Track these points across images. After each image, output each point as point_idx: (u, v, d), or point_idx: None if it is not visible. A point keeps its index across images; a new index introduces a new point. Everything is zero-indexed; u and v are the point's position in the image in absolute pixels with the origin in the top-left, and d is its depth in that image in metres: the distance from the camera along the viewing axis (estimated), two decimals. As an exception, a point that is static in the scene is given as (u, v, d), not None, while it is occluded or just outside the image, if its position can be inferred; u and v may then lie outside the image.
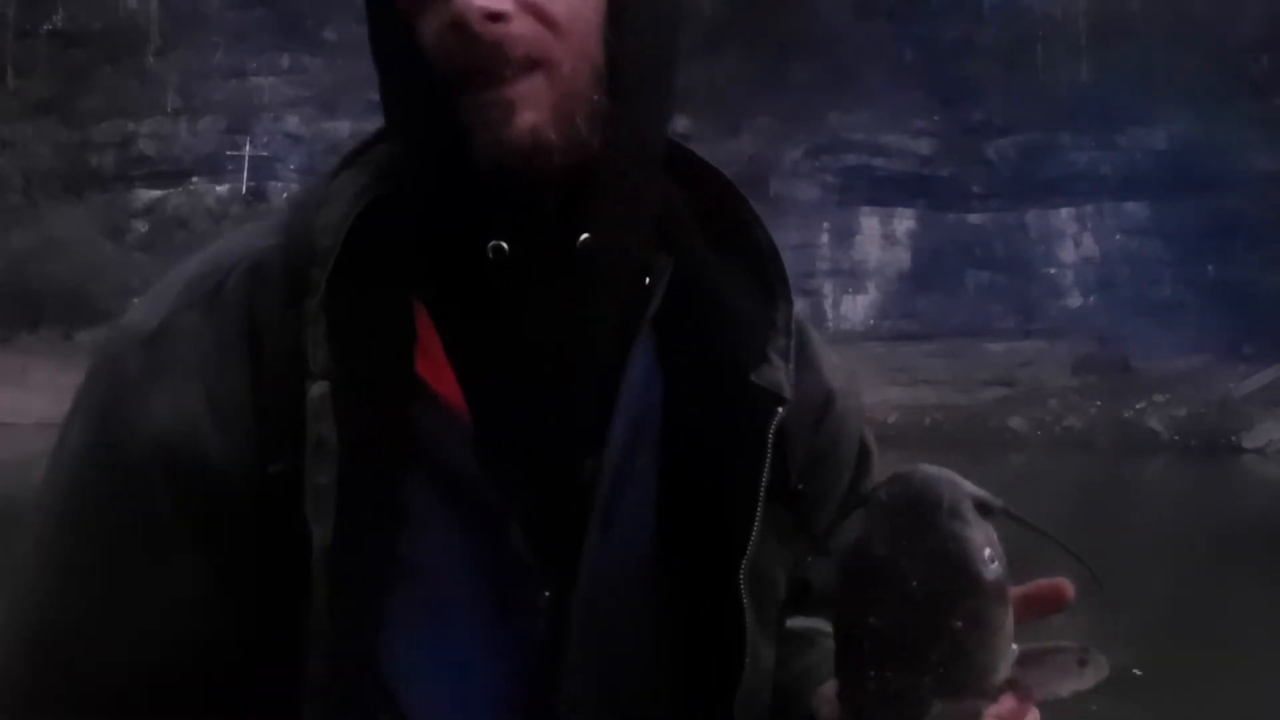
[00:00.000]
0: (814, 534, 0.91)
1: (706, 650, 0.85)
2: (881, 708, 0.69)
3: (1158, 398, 28.11)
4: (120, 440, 0.81)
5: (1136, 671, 7.42)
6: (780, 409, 0.87)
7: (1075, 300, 32.32)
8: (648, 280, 0.89)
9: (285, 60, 37.17)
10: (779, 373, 0.89)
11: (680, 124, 35.18)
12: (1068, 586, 0.75)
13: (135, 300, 0.90)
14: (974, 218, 33.21)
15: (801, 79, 32.70)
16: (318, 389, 0.78)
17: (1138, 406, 28.08)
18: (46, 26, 38.33)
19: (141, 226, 35.64)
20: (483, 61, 0.78)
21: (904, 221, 33.52)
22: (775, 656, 0.90)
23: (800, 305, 0.94)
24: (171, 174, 36.21)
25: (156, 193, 36.17)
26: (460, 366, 0.82)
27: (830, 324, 32.11)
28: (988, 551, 0.68)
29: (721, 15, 33.76)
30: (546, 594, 0.82)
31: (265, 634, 0.78)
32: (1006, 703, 0.71)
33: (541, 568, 0.82)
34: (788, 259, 0.93)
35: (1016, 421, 28.55)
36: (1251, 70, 30.27)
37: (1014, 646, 0.71)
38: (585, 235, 0.83)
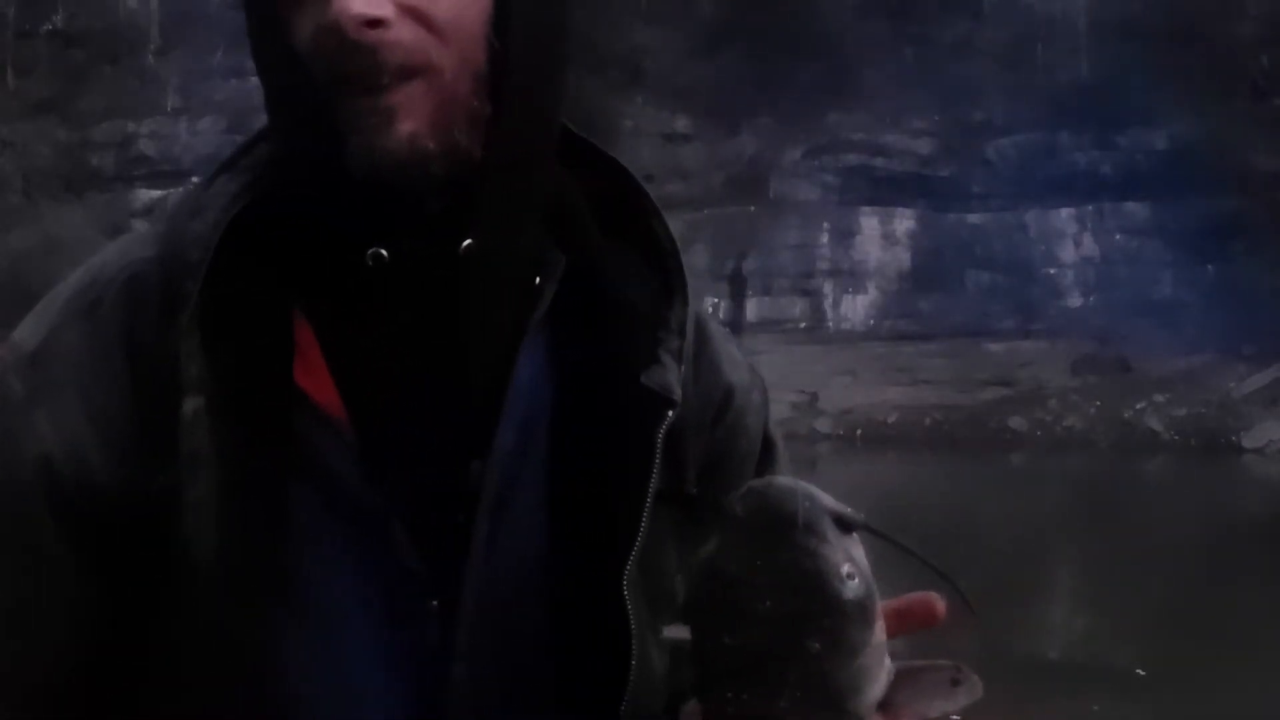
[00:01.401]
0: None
1: (595, 657, 0.83)
2: None
3: (1158, 398, 28.09)
4: (5, 463, 0.80)
5: (1140, 671, 7.42)
6: (670, 412, 0.84)
7: (1075, 300, 32.30)
8: (538, 280, 0.86)
9: (285, 60, 37.10)
10: (669, 374, 0.86)
11: (680, 124, 35.21)
12: (938, 601, 0.73)
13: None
14: (974, 218, 33.18)
15: (801, 79, 32.67)
16: (191, 404, 0.78)
17: (1138, 406, 28.07)
18: (46, 26, 38.29)
19: (141, 226, 35.58)
20: (359, 68, 0.76)
21: (904, 221, 33.49)
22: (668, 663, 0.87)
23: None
24: (171, 174, 36.15)
25: (156, 193, 36.13)
26: (340, 375, 0.81)
27: (830, 324, 32.11)
28: (846, 569, 0.65)
29: (721, 15, 33.75)
30: (435, 602, 0.80)
31: (152, 648, 0.78)
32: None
33: (429, 575, 0.81)
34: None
35: (1016, 421, 28.53)
36: (1251, 70, 30.25)
37: (888, 664, 0.69)
38: (468, 241, 0.81)
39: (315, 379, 0.81)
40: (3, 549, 0.80)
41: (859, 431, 28.69)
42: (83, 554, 0.79)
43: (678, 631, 0.76)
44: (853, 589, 0.65)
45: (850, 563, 0.66)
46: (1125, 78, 29.57)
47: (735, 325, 30.66)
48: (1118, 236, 32.45)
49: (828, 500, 0.67)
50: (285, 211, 0.83)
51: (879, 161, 33.65)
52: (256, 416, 0.78)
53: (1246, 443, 25.67)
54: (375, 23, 0.75)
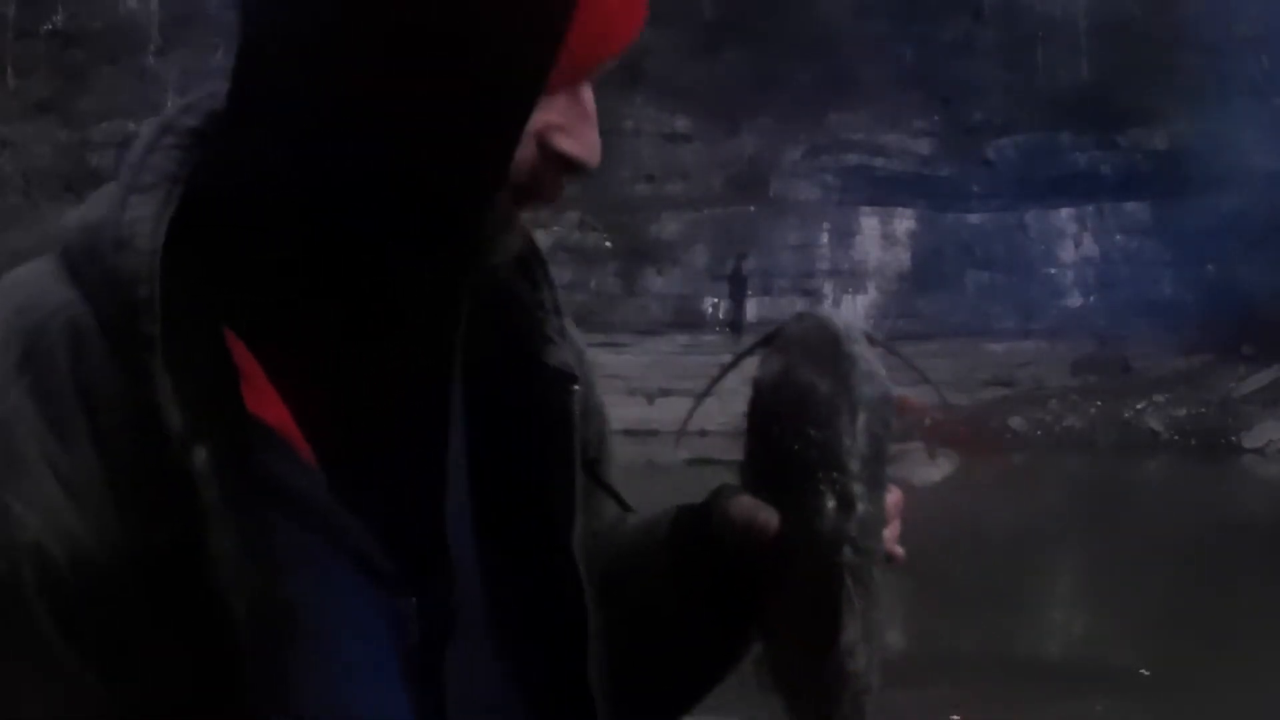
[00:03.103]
0: (609, 488, 0.98)
1: (554, 627, 0.88)
2: (823, 505, 0.80)
3: (1158, 398, 28.10)
4: None
5: (1144, 672, 7.42)
6: (575, 386, 0.90)
7: (1075, 300, 32.31)
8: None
9: (285, 60, 37.08)
10: (564, 352, 0.92)
11: (680, 124, 35.19)
12: (915, 401, 0.88)
13: None
14: (974, 218, 33.19)
15: (801, 79, 32.67)
16: (200, 454, 0.72)
17: (1138, 406, 28.07)
18: (46, 26, 38.30)
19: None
20: (551, 196, 0.81)
21: (904, 221, 33.49)
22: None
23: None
24: (171, 174, 36.20)
25: (156, 193, 36.16)
26: (289, 394, 0.79)
27: (830, 324, 32.08)
28: (884, 371, 0.83)
29: (721, 15, 33.75)
30: (413, 600, 0.82)
31: (167, 709, 0.74)
32: (896, 492, 0.85)
33: (403, 577, 0.81)
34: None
35: (1016, 421, 28.54)
36: (1251, 70, 30.25)
37: None
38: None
39: (265, 402, 0.78)
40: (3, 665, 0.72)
41: (859, 431, 28.67)
42: (82, 635, 0.72)
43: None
44: (890, 385, 0.82)
45: (883, 366, 0.83)
46: (1125, 78, 29.58)
47: (735, 325, 30.67)
48: (1118, 236, 32.45)
49: (857, 321, 0.85)
50: (223, 230, 0.80)
51: (879, 161, 33.65)
52: (236, 454, 0.74)
53: (1246, 443, 25.68)
54: None
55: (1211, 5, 28.98)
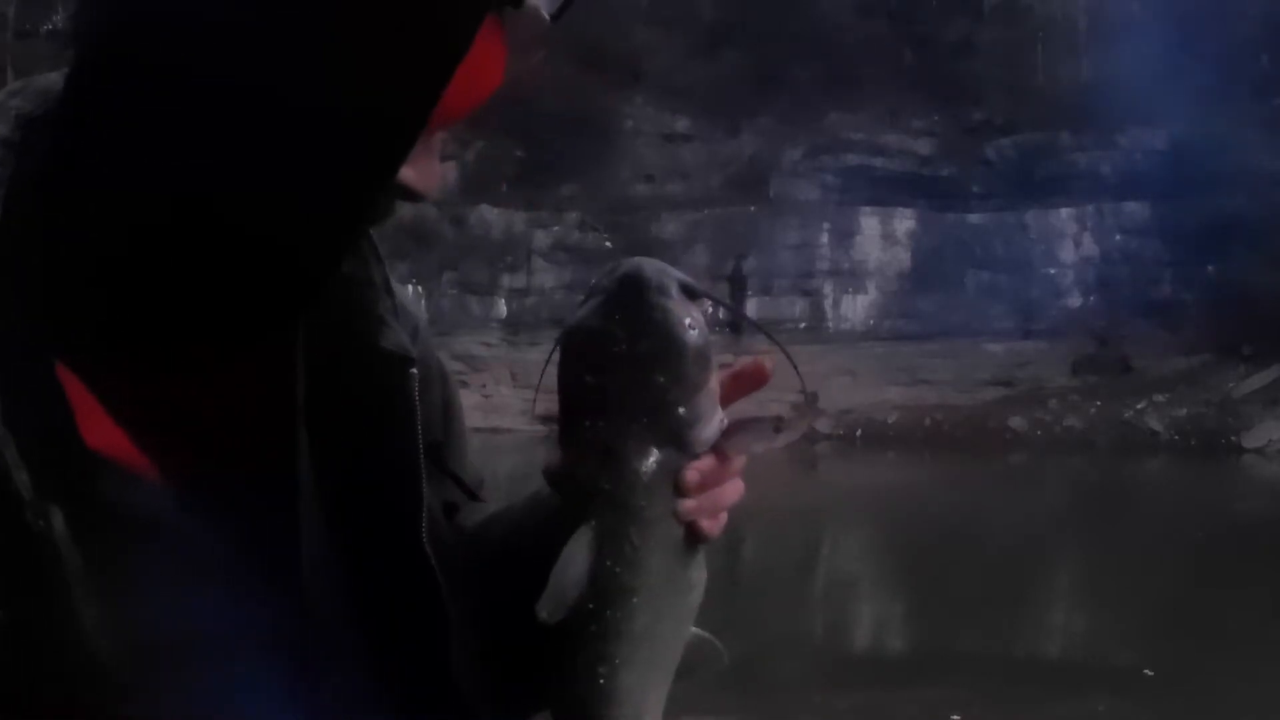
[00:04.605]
0: (450, 474, 0.93)
1: (412, 619, 0.85)
2: (595, 453, 0.76)
3: (1158, 398, 28.13)
4: None
5: (1148, 672, 7.43)
6: (412, 370, 0.86)
7: (1075, 300, 32.33)
8: None
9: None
10: (399, 334, 0.87)
11: (680, 124, 35.22)
12: (767, 364, 0.83)
13: None
14: (974, 218, 33.22)
15: (801, 79, 32.70)
16: (55, 515, 0.66)
17: (1138, 406, 28.10)
18: (46, 26, 38.35)
19: None
20: (387, 216, 0.83)
21: (904, 221, 33.53)
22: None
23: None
24: (171, 174, 36.26)
25: (156, 193, 36.23)
26: (127, 418, 0.73)
27: (830, 324, 32.13)
28: (688, 321, 0.77)
29: (721, 15, 33.77)
30: (274, 606, 0.78)
31: None
32: (707, 460, 0.78)
33: (264, 584, 0.78)
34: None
35: (1016, 421, 28.56)
36: (1251, 70, 30.25)
37: (720, 414, 0.79)
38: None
39: (100, 429, 0.72)
40: None
41: (859, 431, 28.73)
42: None
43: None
44: (693, 336, 0.77)
45: (690, 317, 0.77)
46: (1125, 78, 29.61)
47: (735, 325, 30.67)
48: (1118, 236, 32.49)
49: (676, 272, 0.79)
50: (52, 256, 0.71)
51: (879, 161, 33.69)
52: (85, 499, 0.69)
53: (1246, 443, 25.72)
54: None
55: (1211, 5, 28.99)
